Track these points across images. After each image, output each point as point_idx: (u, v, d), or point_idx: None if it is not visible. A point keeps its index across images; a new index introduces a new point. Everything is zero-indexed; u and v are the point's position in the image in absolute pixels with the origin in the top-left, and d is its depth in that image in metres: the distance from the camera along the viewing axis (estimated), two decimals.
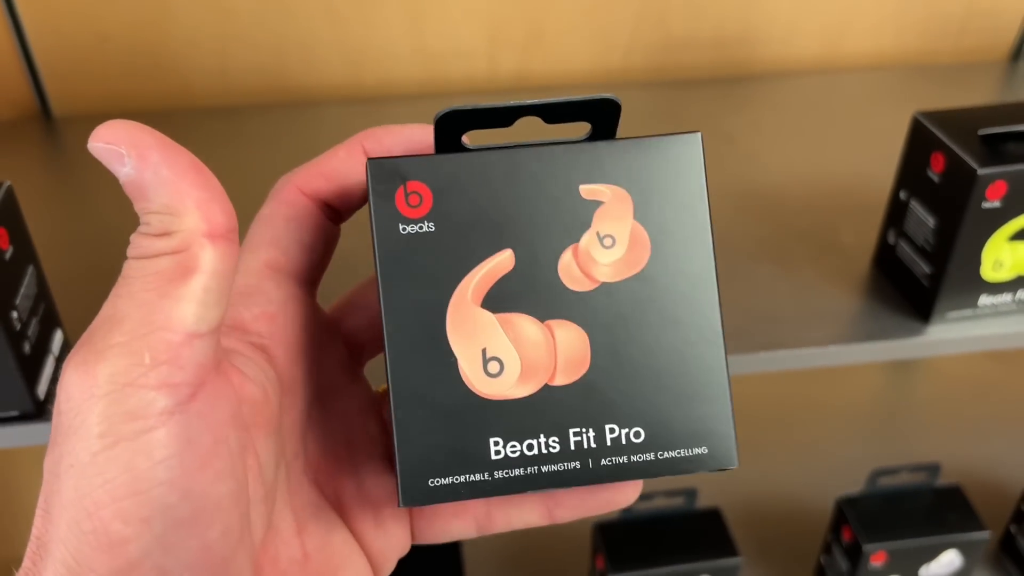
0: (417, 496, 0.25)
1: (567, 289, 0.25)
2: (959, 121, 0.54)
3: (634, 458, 0.25)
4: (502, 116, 0.25)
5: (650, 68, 0.84)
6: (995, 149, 0.51)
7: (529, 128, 0.29)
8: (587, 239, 0.25)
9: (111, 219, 0.65)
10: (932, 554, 0.75)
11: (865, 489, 0.78)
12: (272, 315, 0.26)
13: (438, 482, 0.25)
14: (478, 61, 0.81)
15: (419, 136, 0.27)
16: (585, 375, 0.25)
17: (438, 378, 0.25)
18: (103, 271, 0.59)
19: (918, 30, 0.86)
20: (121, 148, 0.21)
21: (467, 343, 0.25)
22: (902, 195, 0.57)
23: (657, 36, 0.82)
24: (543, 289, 0.25)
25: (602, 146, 0.25)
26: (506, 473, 0.25)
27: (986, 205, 0.51)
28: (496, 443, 0.25)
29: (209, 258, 0.21)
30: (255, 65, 0.78)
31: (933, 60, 0.88)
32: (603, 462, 0.25)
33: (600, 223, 0.25)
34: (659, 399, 0.25)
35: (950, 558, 0.76)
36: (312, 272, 0.28)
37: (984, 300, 0.55)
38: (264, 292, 0.26)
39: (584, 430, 0.25)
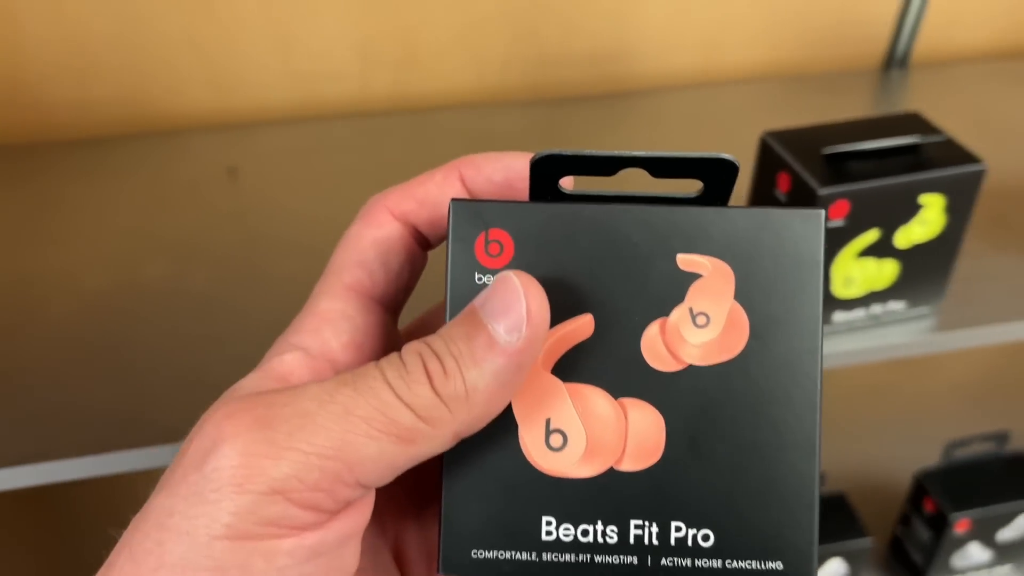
0: (458, 565, 0.23)
1: (649, 367, 0.23)
2: (806, 140, 0.54)
3: (699, 562, 0.23)
4: (604, 165, 0.23)
5: (527, 86, 0.83)
6: (838, 168, 0.52)
7: (635, 178, 0.27)
8: (678, 314, 0.23)
9: (7, 258, 0.63)
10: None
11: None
12: (360, 344, 0.24)
13: (482, 554, 0.23)
14: (350, 82, 0.79)
15: (519, 165, 0.25)
16: (656, 464, 0.23)
17: (495, 444, 0.23)
18: (9, 323, 0.57)
19: (792, 41, 0.87)
20: (526, 323, 0.21)
21: (531, 411, 0.23)
22: None
23: (532, 53, 0.82)
24: (622, 363, 0.23)
25: (708, 212, 0.23)
26: (555, 557, 0.23)
27: (829, 225, 0.51)
28: (549, 523, 0.23)
29: (433, 449, 0.21)
30: (117, 94, 0.76)
31: (809, 70, 0.89)
32: (663, 561, 0.23)
33: (695, 299, 0.23)
34: (736, 502, 0.23)
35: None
36: (396, 298, 0.26)
37: (838, 316, 0.56)
38: (350, 318, 0.24)
39: (647, 523, 0.23)
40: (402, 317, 0.28)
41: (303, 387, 0.21)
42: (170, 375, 0.55)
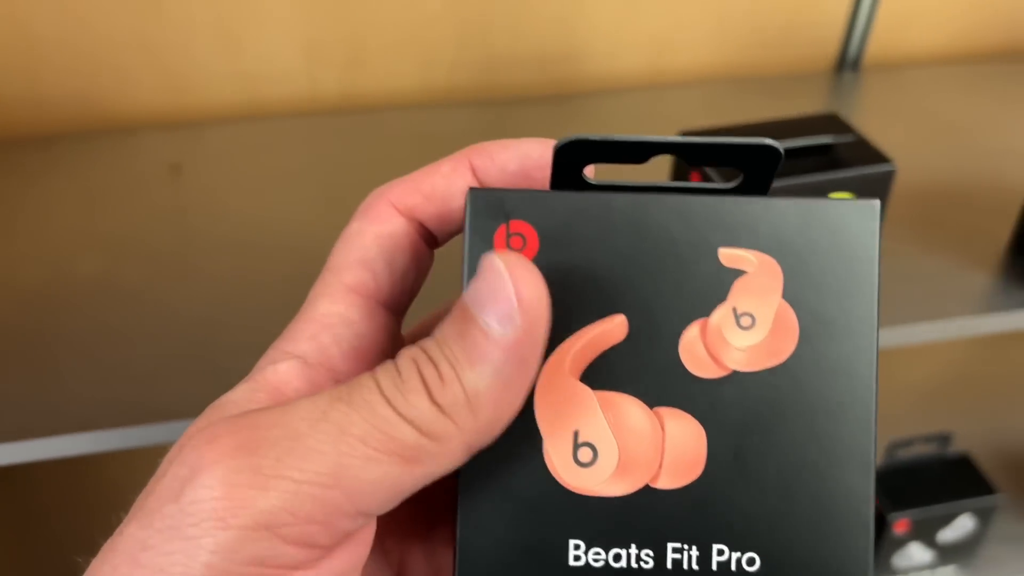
0: None
1: (688, 373, 0.21)
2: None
3: None
4: (635, 151, 0.21)
5: (476, 87, 0.84)
6: None
7: (664, 167, 0.24)
8: (720, 315, 0.21)
9: None
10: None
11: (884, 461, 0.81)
12: (362, 352, 0.22)
13: None
14: (298, 82, 0.80)
15: (537, 153, 0.23)
16: (697, 481, 0.21)
17: (517, 458, 0.21)
18: None
19: (743, 43, 0.88)
20: (519, 311, 0.19)
21: (557, 421, 0.21)
22: None
23: (480, 54, 0.82)
24: (658, 369, 0.21)
25: (754, 203, 0.21)
26: None
27: None
28: (577, 546, 0.21)
29: (443, 468, 0.19)
30: (69, 93, 0.77)
31: (760, 72, 0.89)
32: None
33: (739, 297, 0.21)
34: (785, 523, 0.20)
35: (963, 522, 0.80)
36: (401, 300, 0.23)
37: None
38: (352, 323, 0.22)
39: (686, 547, 0.21)
40: (405, 321, 0.26)
41: (293, 405, 0.19)
42: (94, 367, 0.56)
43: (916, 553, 0.80)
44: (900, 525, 0.77)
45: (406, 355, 0.19)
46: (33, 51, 0.74)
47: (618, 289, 0.21)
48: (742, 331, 0.21)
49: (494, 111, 0.82)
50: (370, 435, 0.18)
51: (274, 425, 0.18)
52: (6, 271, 0.63)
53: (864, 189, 0.53)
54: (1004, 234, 0.67)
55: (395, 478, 0.18)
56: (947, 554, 0.81)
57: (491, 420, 0.19)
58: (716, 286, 0.21)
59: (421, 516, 0.25)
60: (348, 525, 0.18)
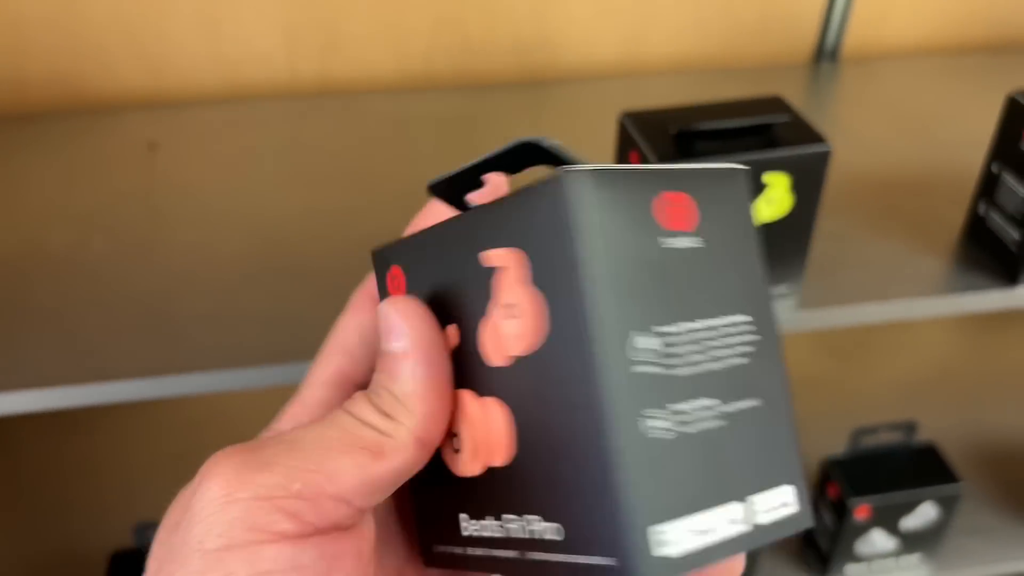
0: (429, 558, 0.26)
1: (489, 364, 0.23)
2: (661, 121, 0.56)
3: (557, 558, 0.21)
4: (471, 177, 0.25)
5: (452, 73, 0.85)
6: (685, 148, 0.53)
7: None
8: (495, 309, 0.23)
9: None
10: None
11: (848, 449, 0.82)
12: None
13: (441, 548, 0.26)
14: (277, 66, 0.82)
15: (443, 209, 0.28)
16: (515, 458, 0.22)
17: (435, 455, 0.25)
18: None
19: (718, 33, 0.88)
20: (404, 327, 0.24)
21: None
22: (994, 168, 0.62)
23: (456, 41, 0.84)
24: (475, 364, 0.24)
25: (500, 204, 0.22)
26: (472, 551, 0.25)
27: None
28: (464, 519, 0.25)
29: (404, 458, 0.23)
30: (52, 73, 0.79)
31: (736, 63, 0.90)
32: (531, 556, 0.22)
33: (501, 291, 0.22)
34: (575, 493, 0.20)
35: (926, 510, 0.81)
36: None
37: None
38: (330, 405, 0.27)
39: (514, 517, 0.23)
40: None
41: (286, 431, 0.24)
42: (53, 331, 0.58)
43: (879, 540, 0.81)
44: (861, 511, 0.78)
45: (357, 393, 0.25)
46: (17, 31, 0.77)
47: (449, 303, 0.24)
48: (511, 320, 0.22)
49: (470, 97, 0.84)
50: (342, 437, 0.23)
51: (270, 439, 0.23)
52: None
53: (798, 169, 0.54)
54: (960, 221, 0.67)
55: (366, 468, 0.23)
56: (910, 542, 0.82)
57: (425, 413, 0.24)
58: (486, 286, 0.23)
59: (411, 553, 0.29)
60: (333, 509, 0.22)
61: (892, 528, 0.80)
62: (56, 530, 0.88)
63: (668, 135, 0.54)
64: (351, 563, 0.23)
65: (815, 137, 0.54)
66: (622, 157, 0.57)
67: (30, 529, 0.88)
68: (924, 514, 0.80)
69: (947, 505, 0.80)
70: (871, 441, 0.82)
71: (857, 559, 0.82)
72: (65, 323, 0.59)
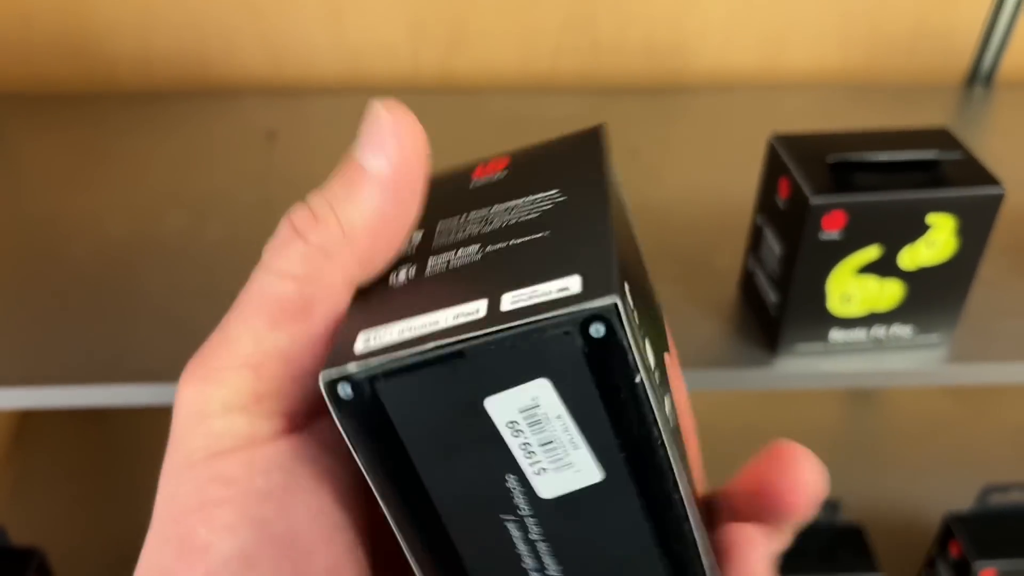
0: None
1: None
2: (815, 147, 0.51)
3: None
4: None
5: (579, 73, 0.82)
6: (842, 178, 0.49)
7: None
8: None
9: (44, 198, 0.67)
10: None
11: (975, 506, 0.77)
12: None
13: None
14: (401, 58, 0.80)
15: None
16: None
17: None
18: (33, 259, 0.60)
19: (863, 46, 0.83)
20: (392, 144, 0.20)
21: None
22: (758, 220, 0.55)
23: (585, 40, 0.80)
24: None
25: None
26: None
27: (824, 236, 0.49)
28: None
29: (332, 304, 0.20)
30: (177, 53, 0.79)
31: (880, 79, 0.85)
32: None
33: None
34: None
35: None
36: None
37: (835, 335, 0.53)
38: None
39: None
40: None
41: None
42: (164, 321, 0.57)
43: None
44: (986, 574, 0.72)
45: (286, 214, 0.20)
46: (146, 11, 0.76)
47: None
48: None
49: (596, 100, 0.80)
50: (259, 304, 0.19)
51: (210, 345, 0.20)
52: (94, 219, 0.64)
53: (966, 211, 0.49)
54: None
55: (291, 331, 0.19)
56: None
57: (368, 252, 0.20)
58: None
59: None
60: (298, 390, 0.20)
61: None
62: None
63: (823, 164, 0.50)
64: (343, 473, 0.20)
65: (987, 178, 0.49)
66: (771, 182, 0.52)
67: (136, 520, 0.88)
68: None
69: None
70: (1001, 500, 0.76)
71: None
72: (173, 312, 0.57)
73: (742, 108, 0.80)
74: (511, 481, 0.18)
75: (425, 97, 0.80)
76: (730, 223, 0.64)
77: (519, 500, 0.18)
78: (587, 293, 0.17)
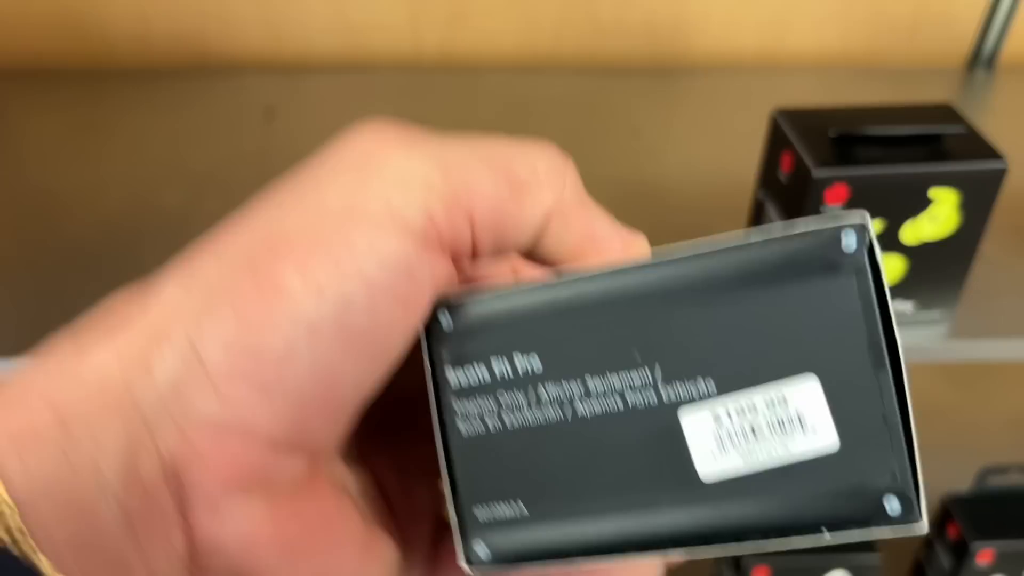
0: None
1: None
2: (817, 121, 0.51)
3: None
4: None
5: (580, 53, 0.82)
6: (844, 152, 0.49)
7: None
8: None
9: (42, 175, 0.66)
10: None
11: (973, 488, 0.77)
12: None
13: None
14: (400, 36, 0.79)
15: None
16: None
17: None
18: (32, 234, 0.60)
19: (865, 29, 0.83)
20: None
21: None
22: (760, 195, 0.55)
23: (586, 19, 0.80)
24: None
25: None
26: None
27: (827, 210, 0.49)
28: None
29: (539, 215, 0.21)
30: (176, 30, 0.78)
31: (882, 62, 0.84)
32: None
33: None
34: None
35: None
36: None
37: None
38: None
39: None
40: None
41: None
42: None
43: None
44: (983, 555, 0.72)
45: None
46: None
47: None
48: None
49: (596, 79, 0.80)
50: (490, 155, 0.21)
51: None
52: (93, 194, 0.64)
53: (969, 185, 0.49)
54: None
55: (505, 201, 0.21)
56: None
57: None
58: None
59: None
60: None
61: (1014, 575, 0.74)
62: None
63: (826, 137, 0.50)
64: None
65: (990, 152, 0.49)
66: (773, 156, 0.52)
67: None
68: None
69: None
70: (999, 481, 0.76)
71: None
72: None
73: (743, 89, 0.79)
74: None
75: (425, 76, 0.79)
76: (731, 203, 0.64)
77: None
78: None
